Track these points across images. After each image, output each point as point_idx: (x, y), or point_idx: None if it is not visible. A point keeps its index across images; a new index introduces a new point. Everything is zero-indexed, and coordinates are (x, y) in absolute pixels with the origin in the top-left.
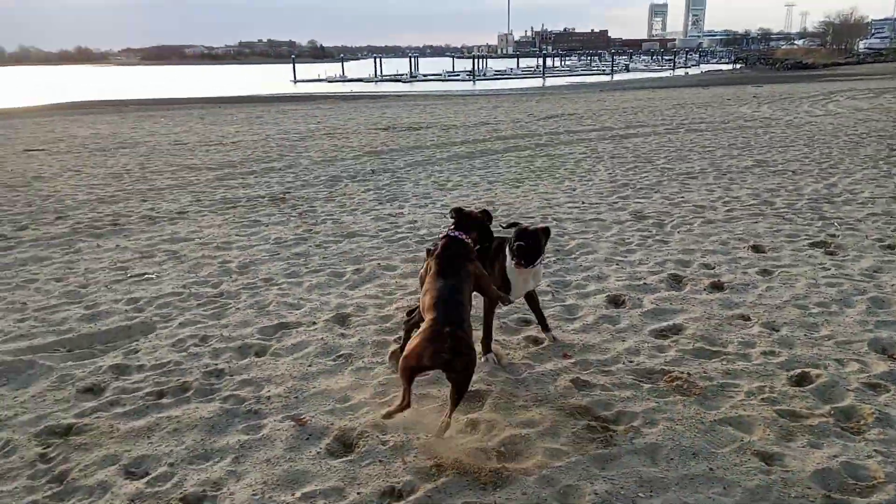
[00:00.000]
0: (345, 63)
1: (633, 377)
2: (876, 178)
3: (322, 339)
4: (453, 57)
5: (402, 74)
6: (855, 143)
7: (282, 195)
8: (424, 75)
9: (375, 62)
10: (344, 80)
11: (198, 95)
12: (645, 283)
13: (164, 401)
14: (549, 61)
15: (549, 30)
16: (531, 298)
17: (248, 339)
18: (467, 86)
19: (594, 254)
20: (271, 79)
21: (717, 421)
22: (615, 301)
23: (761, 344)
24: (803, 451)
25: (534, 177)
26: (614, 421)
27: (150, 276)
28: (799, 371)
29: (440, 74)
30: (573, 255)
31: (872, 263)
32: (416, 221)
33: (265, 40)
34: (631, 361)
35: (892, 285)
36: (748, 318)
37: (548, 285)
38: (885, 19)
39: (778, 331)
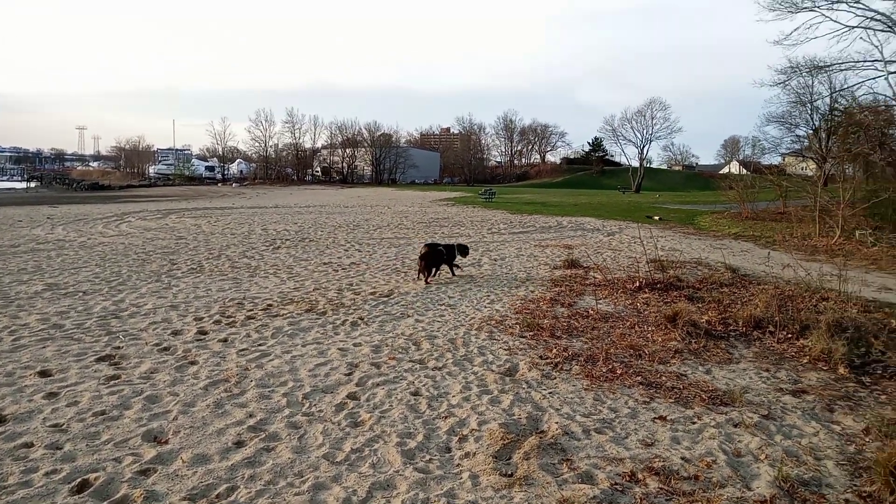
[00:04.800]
0: None
1: None
2: (158, 290)
3: None
4: None
5: None
6: (143, 260)
7: None
8: None
9: None
10: None
11: None
12: None
13: None
14: None
15: None
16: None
17: None
18: None
19: None
20: None
21: None
22: None
23: (44, 466)
24: None
25: None
26: None
27: None
28: (80, 480)
29: None
30: None
31: (150, 366)
32: None
33: None
34: None
35: (165, 381)
36: (32, 445)
37: None
38: (169, 149)
39: (62, 448)
